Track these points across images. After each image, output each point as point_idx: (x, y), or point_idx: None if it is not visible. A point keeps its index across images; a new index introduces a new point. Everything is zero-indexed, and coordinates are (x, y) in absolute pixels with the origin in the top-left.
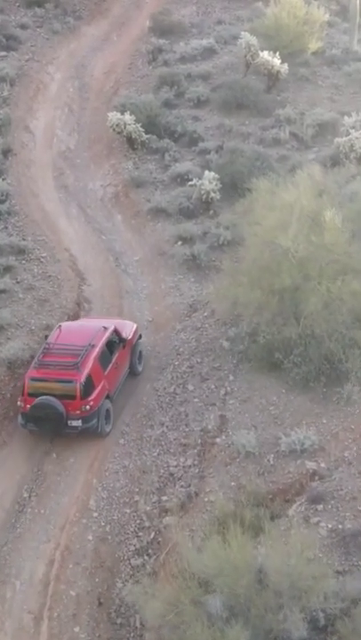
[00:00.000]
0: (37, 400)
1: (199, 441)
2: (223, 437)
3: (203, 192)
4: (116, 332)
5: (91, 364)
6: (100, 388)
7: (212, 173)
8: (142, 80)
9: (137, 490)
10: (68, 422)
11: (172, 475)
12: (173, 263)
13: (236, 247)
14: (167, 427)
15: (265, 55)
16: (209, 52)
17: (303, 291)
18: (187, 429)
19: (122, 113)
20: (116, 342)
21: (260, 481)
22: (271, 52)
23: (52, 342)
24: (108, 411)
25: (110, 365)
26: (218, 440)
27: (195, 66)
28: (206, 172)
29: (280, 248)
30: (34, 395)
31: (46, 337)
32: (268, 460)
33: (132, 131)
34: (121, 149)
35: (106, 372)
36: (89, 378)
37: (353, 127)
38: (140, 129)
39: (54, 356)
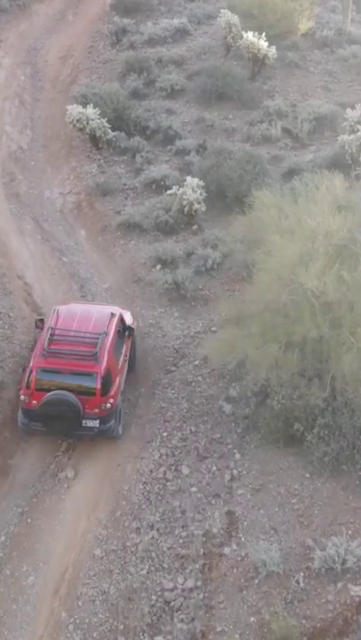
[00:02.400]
0: (51, 395)
1: (202, 551)
2: (234, 547)
3: (185, 202)
4: (122, 319)
5: (107, 354)
6: (117, 383)
7: (196, 179)
8: (105, 66)
9: (121, 627)
10: (83, 422)
11: (167, 603)
12: (152, 293)
13: (227, 272)
14: (158, 530)
15: (249, 37)
16: (181, 34)
17: (331, 343)
18: (184, 534)
19: (83, 105)
20: (121, 331)
21: (289, 614)
22: (256, 34)
23: (56, 327)
24: (120, 410)
25: (122, 357)
26: (227, 550)
27: (166, 49)
28: (188, 179)
29: (301, 288)
30: (43, 389)
31: (40, 321)
32: (298, 582)
33: (95, 127)
34: (83, 149)
35: (119, 366)
36: (108, 371)
37: (359, 122)
38: (106, 125)
39: (65, 344)
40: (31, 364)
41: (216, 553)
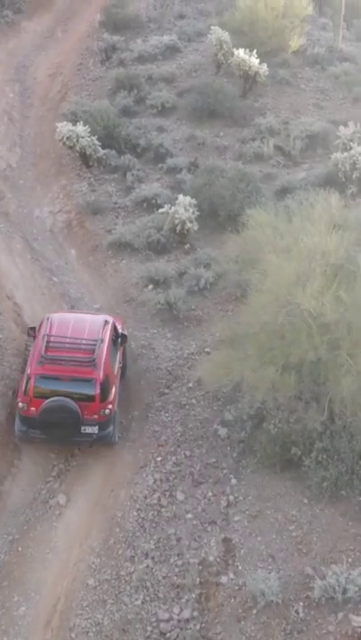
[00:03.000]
0: (50, 402)
1: (198, 580)
2: (231, 575)
3: (177, 221)
4: (114, 326)
5: (105, 360)
6: (114, 389)
7: (188, 198)
8: (95, 83)
9: None
10: (82, 429)
11: (163, 634)
12: (144, 313)
13: (221, 292)
14: (153, 558)
15: (241, 54)
16: (171, 51)
17: (329, 365)
18: (180, 562)
19: (73, 123)
20: (114, 338)
21: None
22: (247, 51)
23: (52, 334)
24: (116, 416)
25: (116, 364)
26: (224, 579)
27: (156, 66)
28: (180, 197)
29: (298, 309)
30: (41, 396)
31: (32, 329)
32: (297, 612)
33: (86, 145)
34: (73, 167)
35: (115, 372)
36: (106, 377)
37: (351, 140)
38: (96, 142)
39: (62, 351)
40: (29, 372)
41: (213, 582)
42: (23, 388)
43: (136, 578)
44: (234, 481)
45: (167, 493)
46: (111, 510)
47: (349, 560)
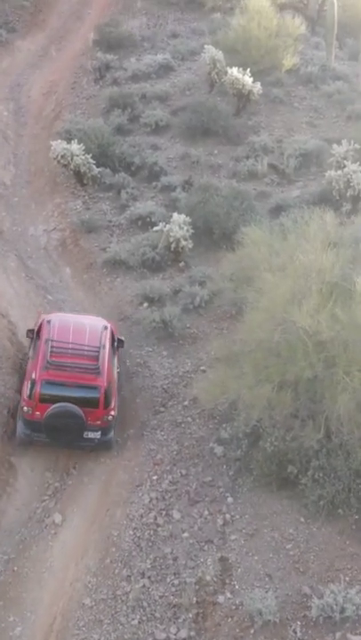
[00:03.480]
0: (57, 407)
1: (195, 600)
2: (228, 595)
3: (171, 239)
4: (112, 332)
5: (107, 367)
6: (115, 395)
7: (182, 216)
8: (89, 102)
9: None
10: (85, 434)
11: None
12: (139, 331)
13: (216, 310)
14: (149, 578)
15: (234, 72)
16: (165, 69)
17: (325, 383)
18: (177, 581)
19: (68, 141)
20: (113, 344)
21: None
22: (240, 69)
23: (55, 339)
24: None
25: (115, 370)
26: (221, 599)
27: (150, 85)
28: (175, 215)
29: (294, 326)
30: (47, 400)
31: (31, 331)
32: (295, 632)
33: (80, 163)
34: (67, 185)
35: (115, 378)
36: (109, 383)
37: (345, 158)
38: (91, 160)
39: (66, 357)
40: (34, 376)
41: (210, 601)
42: (27, 392)
43: (132, 597)
44: (230, 499)
45: (163, 512)
46: (107, 529)
47: (347, 579)
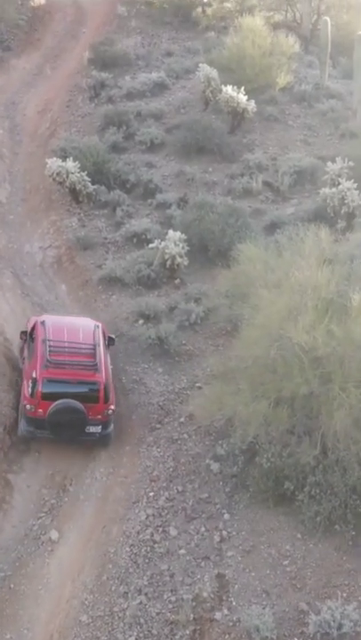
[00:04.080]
0: (60, 403)
1: (192, 616)
2: (225, 611)
3: (167, 256)
4: (103, 330)
5: (105, 364)
6: (113, 390)
7: (178, 233)
8: (84, 120)
9: None
10: (87, 429)
11: None
12: (135, 348)
13: (211, 327)
14: (146, 595)
15: (229, 90)
16: (160, 88)
17: (321, 399)
18: (173, 598)
19: (63, 159)
20: (106, 342)
21: None
22: (235, 88)
23: (52, 339)
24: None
25: (110, 367)
26: (218, 615)
27: (145, 103)
28: (170, 232)
29: (290, 342)
30: (49, 398)
31: (24, 333)
32: None
33: (75, 180)
34: (63, 203)
35: (110, 374)
36: (107, 379)
37: (340, 175)
38: (86, 178)
39: (64, 355)
40: (34, 375)
41: (207, 618)
42: (29, 390)
43: (129, 614)
44: (227, 516)
45: (160, 529)
46: (104, 546)
47: (344, 595)
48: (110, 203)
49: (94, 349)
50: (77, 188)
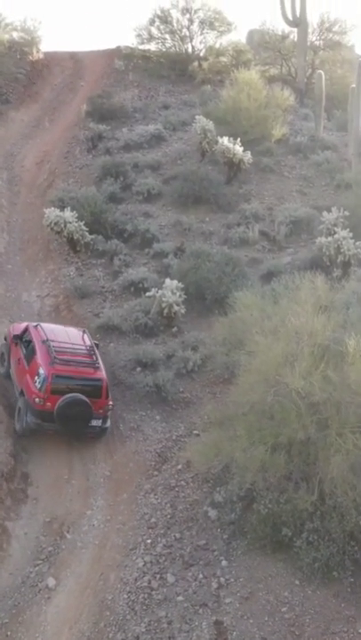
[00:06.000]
0: (69, 397)
1: None
2: None
3: (164, 305)
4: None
5: (102, 363)
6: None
7: (175, 282)
8: (81, 171)
9: None
10: (90, 422)
11: None
12: (133, 396)
13: (208, 374)
14: None
15: (225, 142)
16: (157, 139)
17: (318, 444)
18: None
19: (61, 209)
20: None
21: None
22: (231, 139)
23: (51, 340)
24: None
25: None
26: None
27: (142, 154)
28: (167, 281)
29: (287, 388)
30: (57, 392)
31: (15, 337)
32: None
33: (73, 230)
34: (61, 252)
35: None
36: (106, 377)
37: (335, 225)
38: (84, 228)
39: (67, 355)
40: (42, 372)
41: None
42: (38, 385)
43: None
44: (225, 563)
45: (158, 576)
46: (101, 593)
47: None
48: (108, 252)
49: (92, 350)
50: (75, 237)
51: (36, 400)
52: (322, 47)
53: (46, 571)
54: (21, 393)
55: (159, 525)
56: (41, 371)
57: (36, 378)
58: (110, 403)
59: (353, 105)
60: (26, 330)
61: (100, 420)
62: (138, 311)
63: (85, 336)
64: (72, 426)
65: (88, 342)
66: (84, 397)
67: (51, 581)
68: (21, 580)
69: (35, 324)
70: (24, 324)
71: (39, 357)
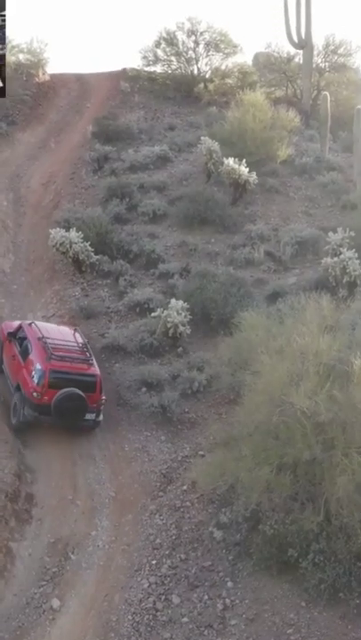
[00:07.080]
0: (67, 391)
1: None
2: None
3: (169, 325)
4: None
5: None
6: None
7: (180, 302)
8: (87, 192)
9: None
10: (85, 415)
11: None
12: (138, 416)
13: (214, 394)
14: None
15: (230, 163)
16: (162, 161)
17: (324, 464)
18: None
19: (66, 229)
20: None
21: None
22: (236, 160)
23: (47, 337)
24: None
25: None
26: None
27: (147, 175)
28: (173, 301)
29: (292, 408)
30: (54, 386)
31: (9, 334)
32: None
33: (79, 251)
34: (66, 273)
35: None
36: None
37: (341, 245)
38: (89, 248)
39: (63, 351)
40: (40, 367)
41: None
42: (36, 380)
43: None
44: (230, 584)
45: (163, 597)
46: (106, 614)
47: None
48: (113, 272)
49: (86, 347)
50: (80, 257)
51: (34, 394)
52: (327, 69)
53: (51, 592)
54: (17, 388)
55: (164, 546)
56: (38, 366)
57: (33, 373)
58: (103, 397)
59: (358, 126)
60: (20, 327)
61: (94, 414)
62: (143, 331)
63: (77, 334)
64: (68, 419)
65: (80, 340)
66: (79, 392)
67: (55, 602)
68: (26, 602)
69: (28, 322)
70: (17, 322)
71: (36, 353)
